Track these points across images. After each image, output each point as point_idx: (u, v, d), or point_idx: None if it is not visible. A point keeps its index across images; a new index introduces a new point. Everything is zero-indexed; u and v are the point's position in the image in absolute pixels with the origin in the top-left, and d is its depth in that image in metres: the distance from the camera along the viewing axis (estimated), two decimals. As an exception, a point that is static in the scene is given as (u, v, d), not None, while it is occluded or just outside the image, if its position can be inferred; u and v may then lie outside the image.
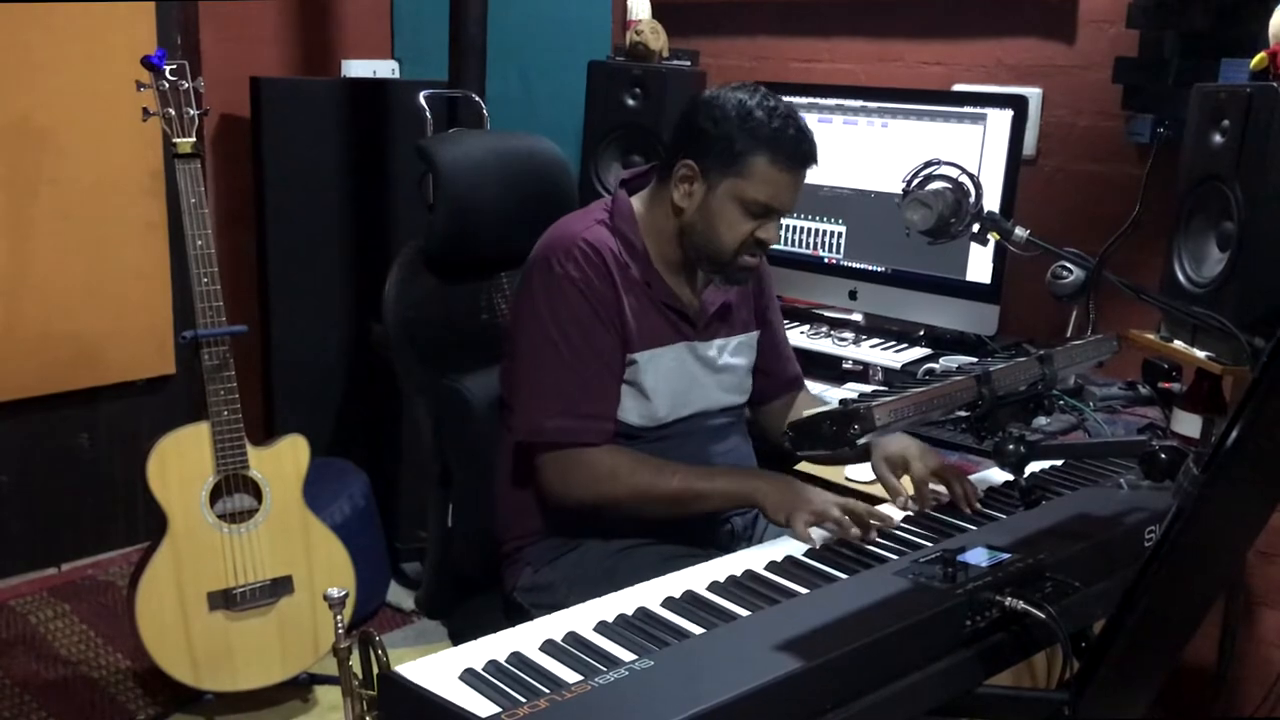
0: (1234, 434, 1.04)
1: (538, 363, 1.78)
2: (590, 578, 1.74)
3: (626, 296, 1.80)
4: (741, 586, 1.43)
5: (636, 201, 1.89)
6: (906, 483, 1.76)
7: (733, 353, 1.96)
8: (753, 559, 1.53)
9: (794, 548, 1.56)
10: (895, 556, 1.49)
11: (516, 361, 1.83)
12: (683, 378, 1.88)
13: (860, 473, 2.05)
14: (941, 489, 1.74)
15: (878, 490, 1.83)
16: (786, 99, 2.71)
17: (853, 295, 2.68)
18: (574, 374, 1.76)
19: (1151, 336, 2.11)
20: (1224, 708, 2.40)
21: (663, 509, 1.77)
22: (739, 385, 1.99)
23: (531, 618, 1.38)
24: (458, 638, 1.92)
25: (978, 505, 1.71)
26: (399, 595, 3.19)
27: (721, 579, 1.45)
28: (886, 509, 1.69)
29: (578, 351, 1.76)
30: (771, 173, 1.76)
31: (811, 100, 2.73)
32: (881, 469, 1.78)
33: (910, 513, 1.71)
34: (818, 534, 1.59)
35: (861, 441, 1.37)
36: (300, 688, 2.69)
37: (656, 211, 1.85)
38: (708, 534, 1.87)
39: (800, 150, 1.78)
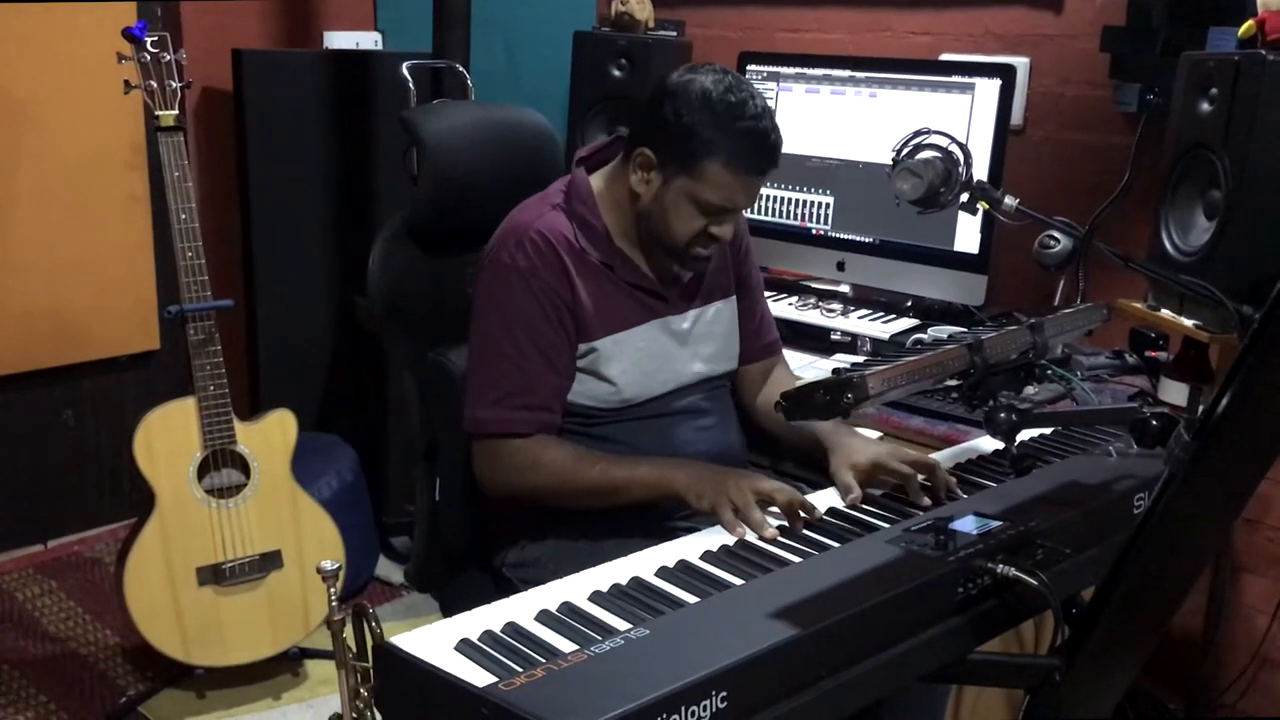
0: (1225, 401, 1.04)
1: (480, 352, 1.78)
2: (577, 554, 1.73)
3: (584, 284, 1.77)
4: (735, 555, 1.43)
5: (597, 179, 1.84)
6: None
7: (710, 321, 1.92)
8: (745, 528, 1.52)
9: (785, 518, 1.56)
10: (887, 525, 1.50)
11: (468, 349, 1.83)
12: (654, 357, 1.85)
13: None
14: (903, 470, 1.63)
15: None
16: (774, 69, 2.77)
17: (840, 266, 2.67)
18: (513, 366, 1.75)
19: (1139, 305, 2.12)
20: (1210, 673, 2.43)
21: (582, 500, 1.74)
22: (718, 354, 1.94)
23: (519, 592, 1.38)
24: (449, 610, 1.92)
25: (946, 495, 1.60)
26: (387, 569, 3.20)
27: (714, 548, 1.45)
28: (815, 497, 1.61)
29: (518, 344, 1.74)
30: (725, 177, 1.70)
31: (799, 70, 2.72)
32: (845, 475, 1.66)
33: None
34: (742, 528, 1.52)
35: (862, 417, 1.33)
36: (290, 661, 2.69)
37: (618, 190, 1.81)
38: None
39: (758, 157, 1.72)
